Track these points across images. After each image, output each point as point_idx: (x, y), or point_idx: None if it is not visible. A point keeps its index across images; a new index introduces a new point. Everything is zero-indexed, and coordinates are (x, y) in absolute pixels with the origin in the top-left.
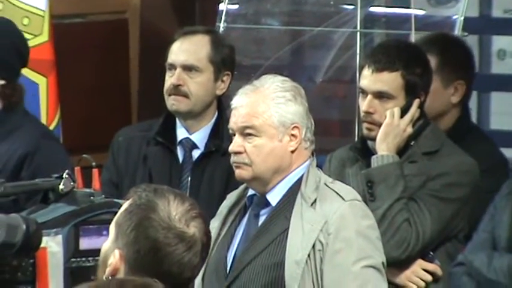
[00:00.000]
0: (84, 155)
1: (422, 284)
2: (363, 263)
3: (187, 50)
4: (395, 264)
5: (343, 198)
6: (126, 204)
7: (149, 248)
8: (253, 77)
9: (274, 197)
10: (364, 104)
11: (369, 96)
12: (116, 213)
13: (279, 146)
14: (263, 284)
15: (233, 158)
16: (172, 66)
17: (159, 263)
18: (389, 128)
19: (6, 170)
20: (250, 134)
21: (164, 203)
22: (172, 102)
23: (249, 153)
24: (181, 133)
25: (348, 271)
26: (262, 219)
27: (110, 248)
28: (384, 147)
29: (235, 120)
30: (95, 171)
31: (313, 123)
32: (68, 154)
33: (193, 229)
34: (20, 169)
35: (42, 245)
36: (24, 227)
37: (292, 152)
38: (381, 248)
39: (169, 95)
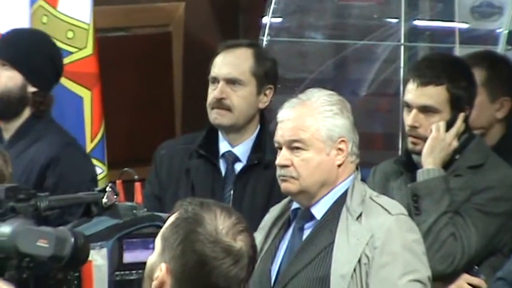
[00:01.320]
0: (126, 168)
1: None
2: (409, 277)
3: (230, 63)
4: (441, 279)
5: (389, 212)
6: (172, 218)
7: (196, 262)
8: (296, 91)
9: (319, 210)
10: (409, 118)
11: (414, 111)
12: (158, 226)
13: (326, 159)
14: None
15: (280, 172)
16: (215, 80)
17: (206, 276)
18: (435, 142)
19: (30, 179)
20: (297, 148)
21: (211, 216)
22: (215, 116)
23: (297, 167)
24: (223, 146)
25: (394, 285)
26: (306, 232)
27: (155, 262)
28: (430, 161)
29: (282, 134)
30: (137, 185)
31: (358, 137)
32: (91, 163)
33: (240, 243)
34: (43, 178)
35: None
36: (72, 240)
37: (339, 166)
38: (427, 262)
39: (212, 108)
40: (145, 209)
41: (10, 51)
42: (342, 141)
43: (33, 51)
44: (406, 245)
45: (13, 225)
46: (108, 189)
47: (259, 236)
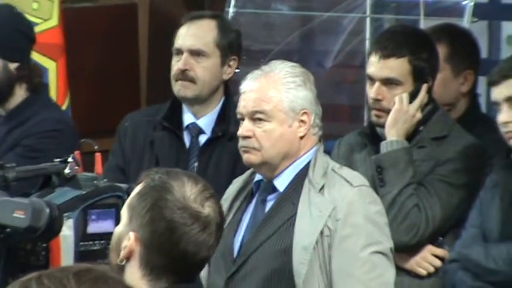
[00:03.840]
0: (84, 139)
1: (432, 269)
2: (371, 249)
3: (194, 35)
4: (405, 250)
5: (351, 184)
6: (139, 187)
7: (165, 228)
8: (262, 62)
9: (281, 182)
10: (372, 91)
11: (377, 83)
12: (119, 196)
13: (288, 131)
14: (271, 270)
15: (242, 143)
16: (179, 51)
17: (175, 242)
18: (399, 114)
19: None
20: (260, 119)
21: (178, 183)
22: (179, 88)
23: (259, 138)
24: (188, 118)
25: (356, 257)
26: (269, 205)
27: (122, 232)
28: (394, 132)
29: (245, 105)
30: (98, 155)
31: (321, 109)
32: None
33: (207, 209)
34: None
35: None
36: (47, 211)
37: (301, 137)
38: (389, 233)
39: (176, 80)
40: (105, 180)
41: None
42: (305, 113)
43: (1, 29)
44: (368, 216)
45: None
46: (70, 159)
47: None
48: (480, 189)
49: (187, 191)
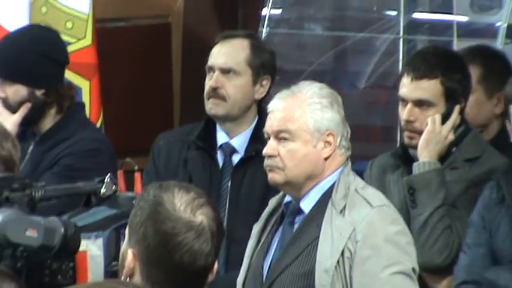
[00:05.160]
0: (127, 159)
1: None
2: (392, 270)
3: (226, 53)
4: (438, 271)
5: (371, 205)
6: (136, 204)
7: (158, 241)
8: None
9: (307, 204)
10: (404, 112)
11: (409, 105)
12: None
13: (312, 151)
14: None
15: (266, 162)
16: (211, 69)
17: (170, 254)
18: (431, 135)
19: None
20: (284, 138)
21: (169, 196)
22: (210, 106)
23: (283, 157)
24: (221, 138)
25: (377, 278)
26: (296, 227)
27: (124, 250)
28: (426, 154)
29: (271, 124)
30: (137, 175)
31: (349, 130)
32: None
33: (200, 217)
34: None
35: (82, 249)
36: (62, 230)
37: (326, 158)
38: (412, 253)
39: (208, 98)
40: None
41: (3, 66)
42: (330, 134)
43: (23, 58)
44: (388, 237)
45: (3, 215)
46: (107, 179)
47: (256, 228)
48: None
49: (177, 201)
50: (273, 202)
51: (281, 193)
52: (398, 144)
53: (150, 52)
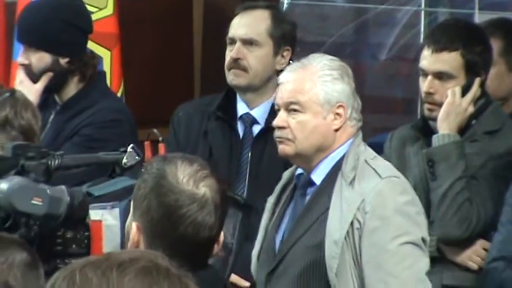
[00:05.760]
0: (154, 130)
1: (483, 263)
2: (401, 240)
3: (247, 24)
4: (457, 243)
5: (380, 176)
6: (140, 177)
7: (162, 214)
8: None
9: (318, 176)
10: (424, 84)
11: (429, 77)
12: None
13: (322, 123)
14: (306, 264)
15: (276, 133)
16: (233, 41)
17: (174, 226)
18: (451, 107)
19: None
20: (295, 110)
21: (172, 168)
22: (232, 77)
23: (293, 129)
24: (241, 108)
25: (385, 249)
26: (307, 198)
27: (129, 223)
28: (445, 126)
29: (281, 96)
30: (161, 146)
31: (359, 102)
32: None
33: (203, 189)
34: None
35: (97, 218)
36: (68, 199)
37: (336, 130)
38: (422, 222)
39: (229, 69)
40: None
41: (28, 33)
42: (340, 106)
43: (48, 26)
44: (397, 207)
45: (10, 183)
46: (129, 149)
47: (270, 201)
48: None
49: (180, 173)
50: (286, 175)
51: (294, 166)
52: (418, 117)
53: (171, 22)
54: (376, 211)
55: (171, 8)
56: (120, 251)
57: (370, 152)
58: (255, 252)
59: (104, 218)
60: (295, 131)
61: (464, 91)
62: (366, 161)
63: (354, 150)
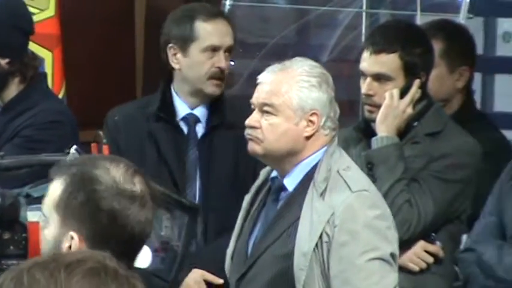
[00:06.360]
0: (99, 132)
1: (424, 265)
2: (369, 256)
3: (227, 33)
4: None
5: (350, 189)
6: (60, 186)
7: (107, 219)
8: (258, 55)
9: (291, 182)
10: (364, 86)
11: (368, 79)
12: None
13: (294, 128)
14: (274, 274)
15: (247, 131)
16: (217, 49)
17: (121, 229)
18: (389, 110)
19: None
20: (268, 112)
21: (102, 170)
22: (214, 89)
23: (264, 130)
24: (182, 109)
25: (353, 264)
26: (280, 204)
27: (58, 234)
28: (384, 128)
29: (257, 96)
30: (105, 147)
31: (337, 111)
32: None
33: (138, 185)
34: None
35: (35, 220)
36: None
37: (308, 138)
38: (392, 237)
39: (214, 78)
40: None
41: None
42: (314, 113)
43: None
44: (366, 222)
45: None
46: (72, 150)
47: (246, 199)
48: (472, 185)
49: (114, 174)
50: (263, 174)
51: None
52: (360, 118)
53: (113, 24)
54: (345, 225)
55: (113, 10)
56: (68, 252)
57: (344, 161)
58: (229, 251)
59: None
60: (266, 132)
61: (403, 93)
62: (338, 171)
63: (326, 160)
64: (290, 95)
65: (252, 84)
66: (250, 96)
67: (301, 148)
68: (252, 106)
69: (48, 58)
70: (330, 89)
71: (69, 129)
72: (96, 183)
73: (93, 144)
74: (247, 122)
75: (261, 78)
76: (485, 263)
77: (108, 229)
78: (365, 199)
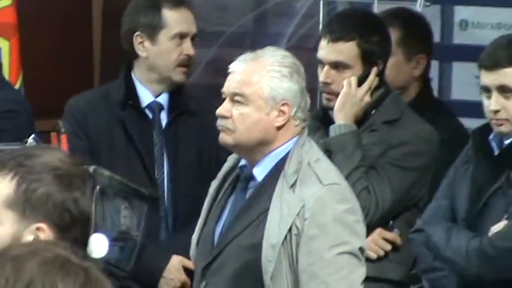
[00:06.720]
0: (58, 121)
1: (382, 252)
2: (338, 250)
3: (192, 20)
4: None
5: (321, 182)
6: (8, 183)
7: (72, 203)
8: (215, 44)
9: (260, 172)
10: (321, 74)
11: (326, 67)
12: None
13: (265, 118)
14: (241, 264)
15: (219, 121)
16: (185, 35)
17: (81, 214)
18: (347, 98)
19: None
20: (239, 102)
21: (49, 156)
22: (182, 76)
23: (235, 120)
24: (146, 97)
25: (322, 258)
26: (248, 193)
27: (18, 230)
28: (342, 116)
29: (229, 85)
30: (63, 137)
31: (308, 101)
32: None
33: (81, 169)
34: None
35: None
36: None
37: (279, 128)
38: (361, 231)
39: (182, 65)
40: None
41: None
42: (285, 103)
43: None
44: (336, 216)
45: None
46: (30, 140)
47: (213, 186)
48: (430, 172)
49: (63, 159)
50: (230, 160)
51: None
52: (318, 106)
53: (71, 13)
54: (315, 218)
55: (71, 1)
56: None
57: (315, 153)
58: (194, 237)
59: None
60: (237, 122)
61: (361, 81)
62: (309, 163)
63: (297, 151)
64: (261, 85)
65: (210, 72)
66: (209, 85)
67: (272, 138)
68: (223, 95)
69: (5, 47)
70: (301, 79)
71: (25, 118)
72: (55, 169)
73: (53, 134)
74: (218, 112)
75: (232, 67)
76: (433, 244)
77: (72, 214)
78: (335, 193)
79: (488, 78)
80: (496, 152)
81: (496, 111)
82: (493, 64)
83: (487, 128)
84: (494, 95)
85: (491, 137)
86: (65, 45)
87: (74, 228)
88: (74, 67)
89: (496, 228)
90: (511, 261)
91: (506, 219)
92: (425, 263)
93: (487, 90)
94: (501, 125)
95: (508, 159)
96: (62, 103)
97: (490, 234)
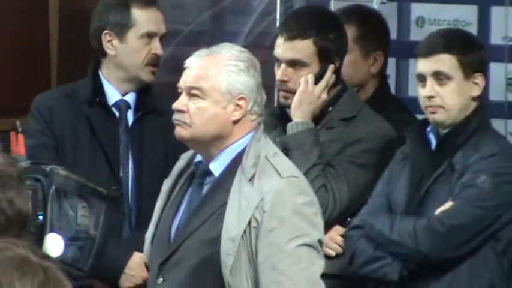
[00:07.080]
0: (16, 121)
1: (340, 250)
2: (297, 242)
3: (162, 19)
4: None
5: (280, 175)
6: None
7: (1, 204)
8: (173, 42)
9: (217, 167)
10: (278, 72)
11: (283, 65)
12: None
13: (222, 112)
14: (200, 259)
15: (175, 116)
16: (154, 35)
17: (17, 211)
18: (304, 95)
19: None
20: (196, 96)
21: None
22: (150, 76)
23: (192, 114)
24: (113, 95)
25: (281, 250)
26: (205, 189)
27: None
28: (299, 114)
29: (185, 80)
30: (20, 136)
31: (264, 97)
32: None
33: (14, 169)
34: None
35: None
36: None
37: (235, 122)
38: (319, 224)
39: (152, 65)
40: (29, 161)
41: None
42: (242, 98)
43: None
44: (295, 208)
45: None
46: None
47: (166, 184)
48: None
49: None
50: (184, 158)
51: (192, 150)
52: (275, 104)
53: (27, 11)
54: (275, 211)
55: None
56: None
57: (271, 147)
58: (148, 235)
59: None
60: (194, 117)
61: (318, 79)
62: (266, 157)
63: (254, 145)
64: (218, 79)
65: (168, 71)
66: (166, 83)
67: (228, 133)
68: (179, 90)
69: None
70: (258, 74)
71: None
72: None
73: (12, 133)
74: (175, 105)
75: (188, 62)
76: (377, 232)
77: (7, 215)
78: (294, 185)
79: (424, 64)
80: (435, 143)
81: (431, 97)
82: (428, 51)
83: (424, 124)
84: (429, 81)
85: (428, 129)
86: (22, 43)
87: (10, 229)
88: (32, 66)
89: (443, 208)
90: (459, 239)
91: (451, 201)
92: (366, 255)
93: (422, 79)
94: (435, 112)
95: (447, 148)
96: (19, 102)
97: (436, 213)
